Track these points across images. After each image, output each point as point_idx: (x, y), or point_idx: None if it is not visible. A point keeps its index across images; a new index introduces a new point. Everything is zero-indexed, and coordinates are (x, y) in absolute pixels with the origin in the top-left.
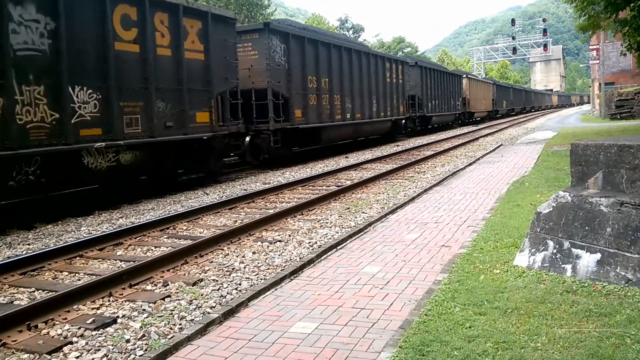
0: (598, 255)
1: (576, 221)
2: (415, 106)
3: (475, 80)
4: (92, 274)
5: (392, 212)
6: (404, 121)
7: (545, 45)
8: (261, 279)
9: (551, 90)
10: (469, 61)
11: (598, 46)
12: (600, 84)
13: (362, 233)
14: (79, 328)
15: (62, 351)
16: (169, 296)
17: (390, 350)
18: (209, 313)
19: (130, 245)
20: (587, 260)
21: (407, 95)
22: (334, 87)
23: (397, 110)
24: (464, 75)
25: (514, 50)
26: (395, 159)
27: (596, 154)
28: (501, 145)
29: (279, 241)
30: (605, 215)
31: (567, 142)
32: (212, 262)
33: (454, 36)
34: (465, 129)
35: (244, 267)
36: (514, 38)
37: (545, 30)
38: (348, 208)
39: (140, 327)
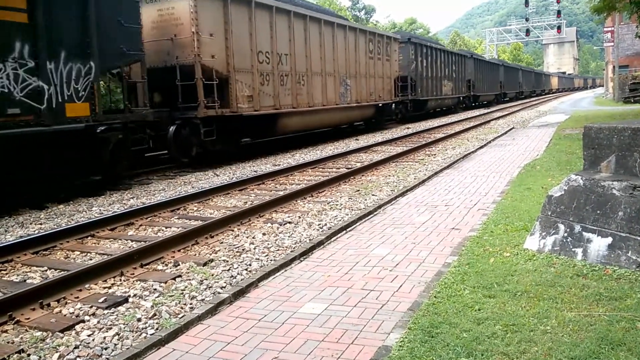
0: (609, 239)
1: (588, 205)
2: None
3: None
4: (103, 254)
5: (402, 194)
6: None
7: (559, 27)
8: (271, 260)
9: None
10: (481, 43)
11: (613, 28)
12: (614, 66)
13: (371, 215)
14: (91, 307)
15: (74, 329)
16: (179, 276)
17: (399, 331)
18: (219, 293)
19: (141, 225)
20: (598, 244)
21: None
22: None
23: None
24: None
25: (527, 32)
26: (405, 141)
27: (609, 137)
28: (513, 128)
29: (289, 223)
30: (617, 199)
31: (580, 126)
32: (222, 242)
33: (466, 17)
34: (472, 113)
35: (254, 248)
36: (527, 20)
37: (559, 12)
38: (358, 190)
39: (152, 306)
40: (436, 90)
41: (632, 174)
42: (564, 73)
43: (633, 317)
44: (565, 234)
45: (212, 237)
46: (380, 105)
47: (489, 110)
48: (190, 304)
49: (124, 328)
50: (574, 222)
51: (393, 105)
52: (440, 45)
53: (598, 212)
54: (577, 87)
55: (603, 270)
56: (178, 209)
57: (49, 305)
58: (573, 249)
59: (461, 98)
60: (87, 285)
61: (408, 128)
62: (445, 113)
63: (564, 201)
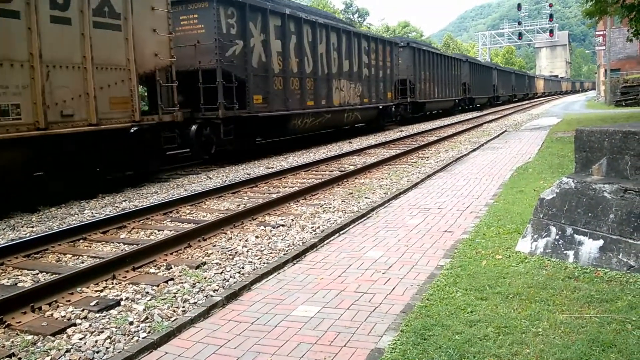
0: (601, 242)
1: (579, 207)
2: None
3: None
4: (95, 257)
5: (395, 197)
6: (393, 108)
7: (551, 31)
8: (264, 263)
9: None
10: (474, 46)
11: (604, 32)
12: (606, 70)
13: (365, 218)
14: (83, 310)
15: (66, 333)
16: (172, 279)
17: (392, 334)
18: (212, 296)
19: (133, 228)
20: (590, 247)
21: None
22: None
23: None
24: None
25: (520, 35)
26: (398, 144)
27: (601, 141)
28: (505, 131)
29: (282, 225)
30: (608, 202)
31: (572, 129)
32: (215, 245)
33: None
34: (469, 115)
35: (247, 251)
36: (520, 23)
37: (551, 16)
38: (351, 193)
39: (144, 309)
40: (434, 93)
41: (623, 177)
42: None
43: (624, 319)
44: (557, 237)
45: (204, 240)
46: (381, 107)
47: (481, 114)
48: (183, 307)
49: (116, 331)
50: (565, 225)
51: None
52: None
53: (589, 214)
54: (564, 90)
55: (594, 272)
56: (171, 212)
57: (40, 308)
58: (565, 252)
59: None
60: (78, 289)
61: (402, 131)
62: (443, 115)
63: (556, 204)
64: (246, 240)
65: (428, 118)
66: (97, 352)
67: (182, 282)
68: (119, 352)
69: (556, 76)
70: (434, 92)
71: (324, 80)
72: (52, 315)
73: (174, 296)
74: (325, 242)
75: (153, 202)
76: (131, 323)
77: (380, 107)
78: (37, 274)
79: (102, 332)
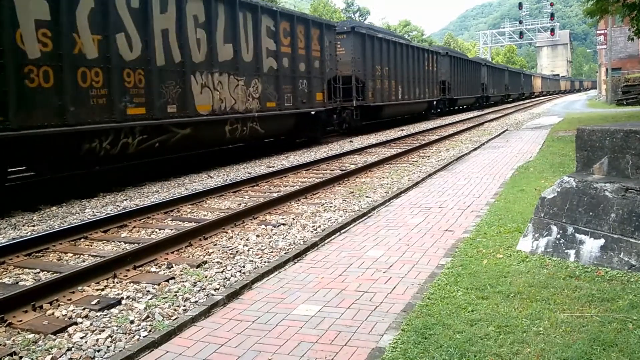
0: (602, 241)
1: (580, 206)
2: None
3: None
4: (96, 256)
5: (396, 196)
6: (435, 102)
7: (552, 30)
8: (265, 262)
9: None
10: (475, 45)
11: (605, 31)
12: (607, 69)
13: (365, 217)
14: (84, 309)
15: (67, 331)
16: (173, 278)
17: (393, 333)
18: (212, 295)
19: (134, 227)
20: (591, 246)
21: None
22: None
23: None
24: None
25: (521, 34)
26: (399, 143)
27: (602, 140)
28: (506, 130)
29: (283, 224)
30: (609, 201)
31: (573, 128)
32: (216, 244)
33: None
34: (472, 114)
35: (248, 250)
36: (521, 22)
37: (552, 15)
38: (352, 192)
39: (145, 308)
40: (463, 92)
41: (624, 176)
42: (557, 75)
43: (625, 318)
44: (558, 236)
45: (205, 239)
46: (429, 101)
47: (483, 112)
48: (184, 305)
49: (117, 330)
50: (566, 224)
51: (435, 102)
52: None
53: (590, 213)
54: (563, 89)
55: (595, 271)
56: (172, 211)
57: (41, 307)
58: (566, 251)
59: (433, 102)
60: (80, 288)
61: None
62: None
63: (557, 203)
64: (247, 239)
65: (457, 111)
66: (98, 351)
67: (183, 281)
68: (119, 350)
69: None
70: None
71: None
72: (53, 314)
73: (175, 295)
74: (326, 241)
75: (154, 201)
76: (132, 322)
77: (429, 101)
78: (38, 272)
79: (103, 330)
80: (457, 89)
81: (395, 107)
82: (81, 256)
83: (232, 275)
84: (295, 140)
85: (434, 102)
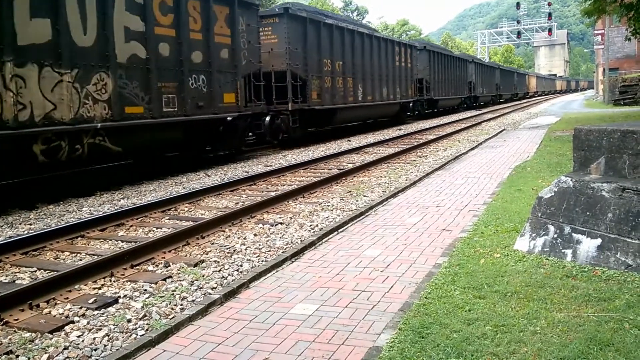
0: (599, 241)
1: (577, 206)
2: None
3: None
4: (93, 254)
5: (394, 195)
6: (411, 104)
7: (550, 30)
8: (262, 261)
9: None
10: (472, 45)
11: (603, 31)
12: (604, 69)
13: (363, 216)
14: (81, 307)
15: (64, 330)
16: (170, 277)
17: (390, 332)
18: (210, 294)
19: (131, 226)
20: (588, 246)
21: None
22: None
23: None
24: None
25: (519, 34)
26: (397, 142)
27: (599, 139)
28: (504, 130)
29: (281, 223)
30: (606, 201)
31: (570, 128)
32: (213, 243)
33: (458, 19)
34: (469, 113)
35: (245, 249)
36: (518, 22)
37: (550, 15)
38: (349, 191)
39: (142, 307)
40: (445, 91)
41: (621, 176)
42: (554, 75)
43: (621, 318)
44: (555, 235)
45: (203, 237)
46: (402, 103)
47: (480, 112)
48: (181, 304)
49: (114, 329)
50: (563, 224)
51: (411, 104)
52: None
53: (587, 213)
54: (559, 89)
55: (592, 271)
56: (169, 210)
57: (38, 306)
58: (563, 250)
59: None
60: (76, 286)
61: (400, 130)
62: (450, 112)
63: (554, 203)
64: (244, 238)
65: (438, 114)
66: (95, 350)
67: (180, 280)
68: (117, 349)
69: (554, 75)
70: (446, 90)
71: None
72: (50, 312)
73: (172, 294)
74: (324, 241)
75: (151, 200)
76: (129, 321)
77: (402, 102)
78: (35, 271)
79: (100, 329)
80: (439, 88)
81: (354, 110)
82: (78, 255)
83: (229, 274)
84: (185, 157)
85: (410, 104)
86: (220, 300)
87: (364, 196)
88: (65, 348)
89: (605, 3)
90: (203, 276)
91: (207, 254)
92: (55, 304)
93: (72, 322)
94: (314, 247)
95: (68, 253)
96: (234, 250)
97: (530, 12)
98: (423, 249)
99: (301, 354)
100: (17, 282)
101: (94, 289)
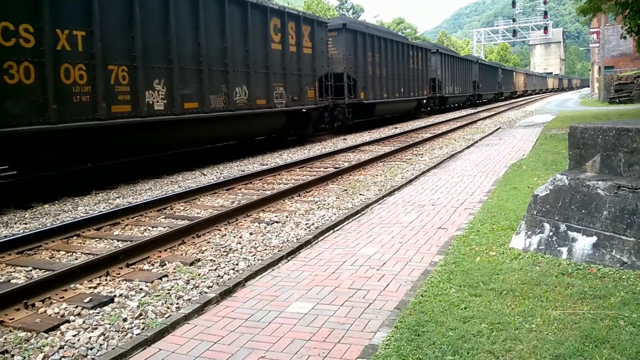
0: (594, 238)
1: (573, 204)
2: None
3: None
4: (89, 254)
5: (390, 194)
6: (425, 101)
7: (545, 28)
8: (258, 260)
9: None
10: (468, 43)
11: (598, 29)
12: (600, 67)
13: (359, 215)
14: (76, 307)
15: (60, 329)
16: (166, 276)
17: (386, 330)
18: (206, 293)
19: (127, 225)
20: (583, 243)
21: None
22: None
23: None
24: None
25: (514, 32)
26: (393, 141)
27: (594, 137)
28: (499, 128)
29: (276, 222)
30: (602, 199)
31: (566, 126)
32: (209, 242)
33: (453, 18)
34: (470, 110)
35: (241, 248)
36: (514, 20)
37: (545, 13)
38: (345, 190)
39: (138, 306)
40: (454, 90)
41: (616, 174)
42: (551, 73)
43: (617, 315)
44: (551, 233)
45: (199, 236)
46: (419, 99)
47: (476, 110)
48: (177, 303)
49: (110, 328)
50: (559, 222)
51: (425, 100)
52: (456, 53)
53: (583, 211)
54: (551, 88)
55: (588, 269)
56: (165, 209)
57: (33, 305)
58: (558, 248)
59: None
60: (72, 285)
61: (396, 128)
62: (457, 108)
63: (550, 200)
64: (240, 237)
65: (448, 110)
66: (91, 349)
67: (176, 279)
68: (112, 348)
69: (550, 73)
70: (454, 88)
71: (391, 79)
72: (45, 312)
73: (168, 293)
74: (320, 239)
75: (147, 199)
76: (125, 320)
77: (419, 99)
78: (31, 270)
79: (96, 328)
80: (448, 86)
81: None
82: (74, 254)
83: (225, 273)
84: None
85: (424, 100)
86: (216, 299)
87: (360, 195)
88: (61, 347)
89: (601, 1)
90: (199, 275)
91: (203, 252)
92: (51, 303)
93: (68, 321)
94: (309, 245)
95: (63, 252)
96: (230, 249)
97: (526, 10)
98: (419, 247)
99: (297, 353)
100: (12, 281)
101: (90, 288)
